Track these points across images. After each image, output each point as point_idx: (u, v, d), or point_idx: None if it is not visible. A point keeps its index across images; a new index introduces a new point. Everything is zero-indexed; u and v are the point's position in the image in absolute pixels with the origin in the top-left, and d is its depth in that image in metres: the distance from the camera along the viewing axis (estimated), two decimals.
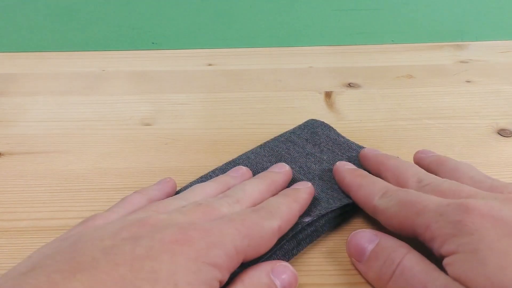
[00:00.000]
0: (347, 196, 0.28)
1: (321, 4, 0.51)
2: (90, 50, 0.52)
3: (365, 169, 0.30)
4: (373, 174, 0.29)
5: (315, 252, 0.26)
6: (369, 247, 0.23)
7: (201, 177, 0.29)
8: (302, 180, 0.30)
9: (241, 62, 0.50)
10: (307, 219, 0.25)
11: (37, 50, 0.52)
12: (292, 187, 0.27)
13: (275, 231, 0.22)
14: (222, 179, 0.27)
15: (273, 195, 0.26)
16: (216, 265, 0.19)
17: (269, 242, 0.22)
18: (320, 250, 0.26)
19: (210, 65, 0.49)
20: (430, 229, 0.21)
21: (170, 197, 0.26)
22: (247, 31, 0.52)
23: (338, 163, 0.30)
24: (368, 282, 0.24)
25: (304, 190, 0.26)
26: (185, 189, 0.28)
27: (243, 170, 0.29)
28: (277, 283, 0.21)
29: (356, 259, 0.24)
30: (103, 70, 0.48)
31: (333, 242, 0.27)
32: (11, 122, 0.39)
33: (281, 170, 0.28)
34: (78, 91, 0.44)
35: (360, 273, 0.24)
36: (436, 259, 0.21)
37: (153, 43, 0.53)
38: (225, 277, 0.20)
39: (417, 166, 0.28)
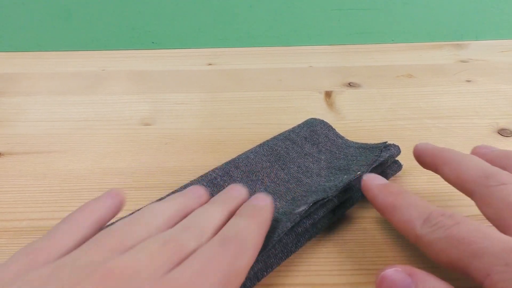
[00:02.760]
0: (344, 183, 0.27)
1: (321, 3, 0.51)
2: (90, 50, 0.52)
3: (420, 164, 0.27)
4: (429, 169, 0.26)
5: (315, 252, 0.26)
6: None
7: (201, 177, 0.29)
8: (301, 179, 0.30)
9: (241, 61, 0.50)
10: (303, 208, 0.25)
11: (37, 50, 0.52)
12: (252, 202, 0.24)
13: (248, 266, 0.20)
14: (181, 201, 0.24)
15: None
16: None
17: (243, 276, 0.20)
18: (320, 250, 0.26)
19: (210, 64, 0.49)
20: (492, 279, 0.18)
21: (125, 222, 0.21)
22: (247, 31, 0.52)
23: (365, 177, 0.26)
24: None
25: (266, 209, 0.24)
26: (182, 190, 0.28)
27: (200, 192, 0.26)
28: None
29: None
30: (103, 70, 0.48)
31: (332, 242, 0.27)
32: (10, 122, 0.39)
33: (239, 194, 0.25)
34: (77, 90, 0.44)
35: None
36: None
37: (153, 42, 0.53)
38: None
39: (479, 158, 0.24)
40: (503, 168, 0.23)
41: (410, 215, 0.22)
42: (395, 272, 0.20)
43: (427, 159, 0.27)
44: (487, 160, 0.24)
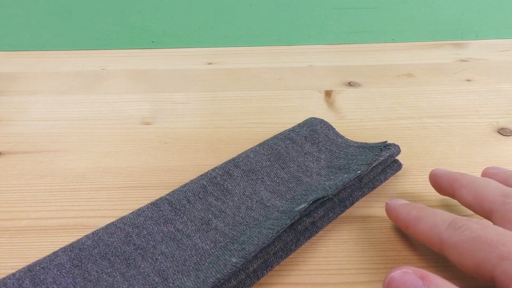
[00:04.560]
0: (344, 182, 0.27)
1: (321, 2, 0.51)
2: (90, 49, 0.52)
3: (437, 190, 0.28)
4: (446, 194, 0.27)
5: (315, 252, 0.26)
6: None
7: (201, 176, 0.29)
8: (301, 178, 0.30)
9: (241, 60, 0.50)
10: (303, 205, 0.25)
11: (37, 49, 0.52)
12: None
13: None
14: None
15: None
16: None
17: None
18: (320, 250, 0.26)
19: (210, 64, 0.49)
20: None
21: None
22: (247, 30, 0.52)
23: (388, 201, 0.27)
24: None
25: None
26: (181, 189, 0.28)
27: None
28: None
29: None
30: (103, 69, 0.48)
31: (333, 241, 0.27)
32: (10, 121, 0.39)
33: None
34: (78, 90, 0.44)
35: None
36: None
37: (153, 41, 0.53)
38: None
39: (495, 181, 0.25)
40: None
41: (434, 221, 0.22)
42: (405, 273, 0.19)
43: (444, 184, 0.27)
44: (499, 180, 0.25)
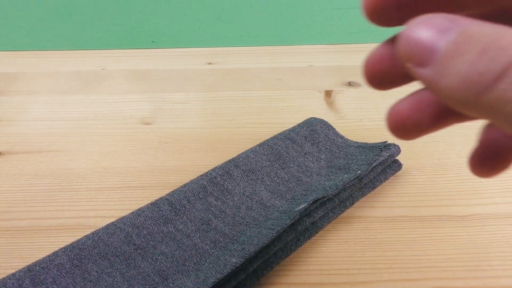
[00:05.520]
0: (344, 182, 0.27)
1: (321, 2, 0.51)
2: (90, 49, 0.52)
3: None
4: None
5: (315, 252, 0.26)
6: (442, 40, 0.12)
7: (201, 176, 0.30)
8: (301, 178, 0.30)
9: (241, 61, 0.50)
10: (303, 206, 0.25)
11: (37, 49, 0.52)
12: None
13: None
14: None
15: None
16: None
17: None
18: (319, 250, 0.26)
19: (210, 64, 0.49)
20: None
21: None
22: (247, 30, 0.52)
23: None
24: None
25: None
26: (181, 189, 0.28)
27: None
28: None
29: (417, 63, 0.13)
30: (103, 69, 0.48)
31: (332, 242, 0.27)
32: (11, 121, 0.39)
33: None
34: (77, 90, 0.44)
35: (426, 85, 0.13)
36: None
37: (153, 41, 0.53)
38: None
39: None
40: None
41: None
42: (427, 17, 0.13)
43: None
44: None
